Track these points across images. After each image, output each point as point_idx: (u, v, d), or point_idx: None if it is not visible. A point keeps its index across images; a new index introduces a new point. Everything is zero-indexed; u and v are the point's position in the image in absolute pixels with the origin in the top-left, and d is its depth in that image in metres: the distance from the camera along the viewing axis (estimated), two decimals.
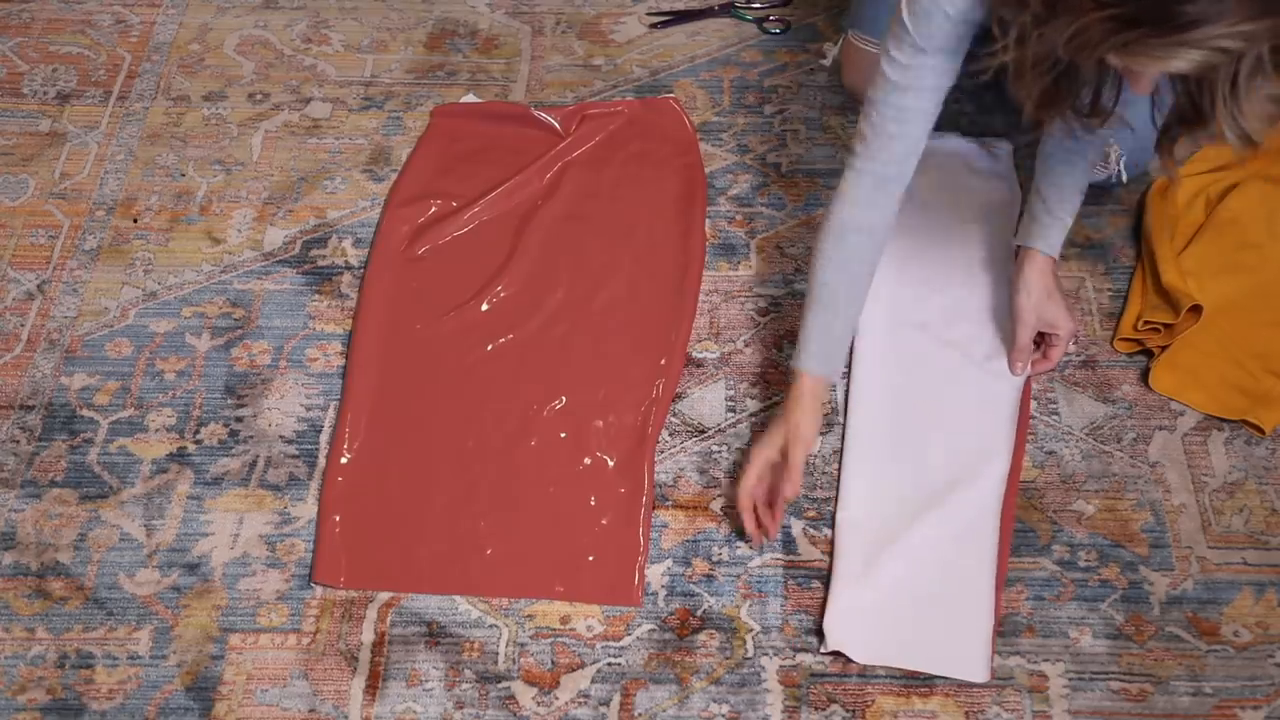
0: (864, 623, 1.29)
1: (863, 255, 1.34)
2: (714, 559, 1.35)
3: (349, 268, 1.61)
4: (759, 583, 1.33)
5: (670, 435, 1.45)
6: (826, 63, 1.83)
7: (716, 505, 1.39)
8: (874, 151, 1.29)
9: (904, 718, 1.24)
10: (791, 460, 1.32)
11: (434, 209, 1.65)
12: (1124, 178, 1.59)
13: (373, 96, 1.81)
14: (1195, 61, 0.96)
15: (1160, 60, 0.96)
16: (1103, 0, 0.95)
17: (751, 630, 1.30)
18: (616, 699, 1.26)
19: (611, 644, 1.30)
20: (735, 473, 1.41)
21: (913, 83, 1.23)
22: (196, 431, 1.46)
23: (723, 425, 1.46)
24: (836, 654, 1.27)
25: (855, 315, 1.38)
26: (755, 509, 1.34)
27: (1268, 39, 0.95)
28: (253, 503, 1.40)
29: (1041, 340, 1.47)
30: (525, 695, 1.26)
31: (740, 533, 1.36)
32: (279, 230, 1.65)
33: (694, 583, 1.34)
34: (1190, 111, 1.09)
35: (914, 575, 1.32)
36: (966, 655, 1.27)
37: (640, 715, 1.25)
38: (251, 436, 1.46)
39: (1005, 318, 1.51)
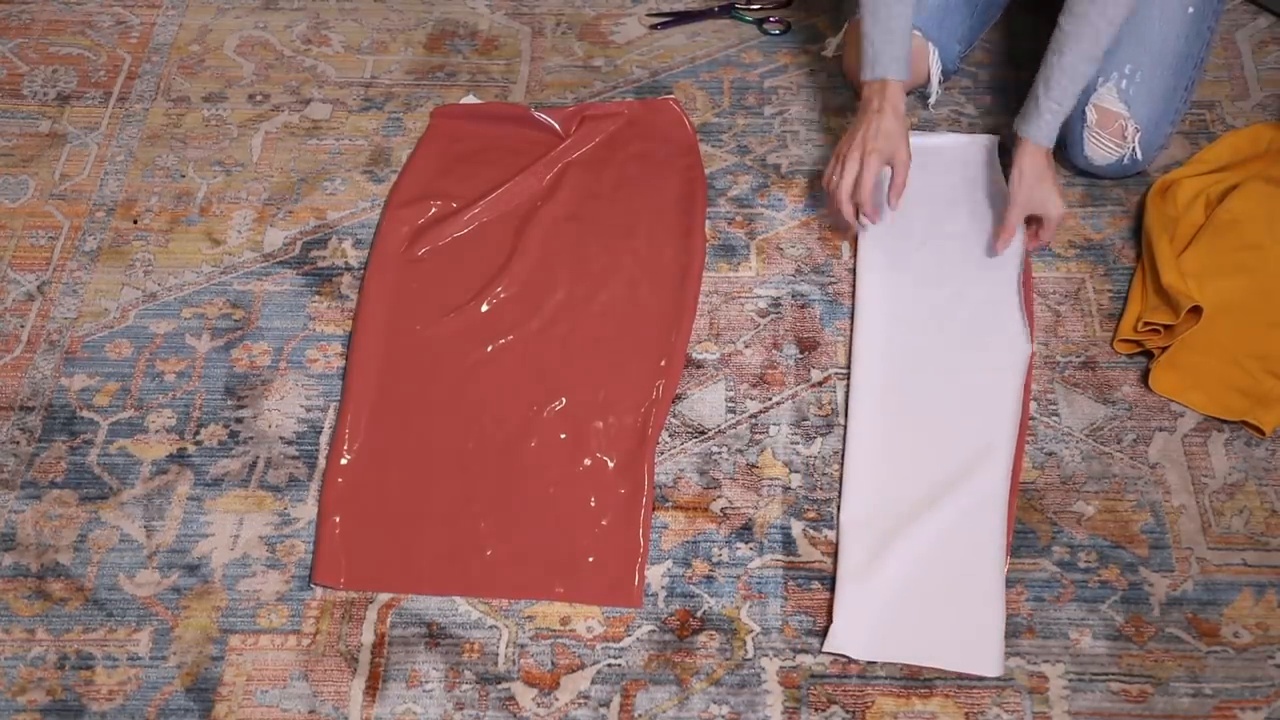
0: (873, 621, 1.29)
1: None
2: (714, 560, 1.35)
3: (349, 269, 1.61)
4: (759, 584, 1.33)
5: (670, 436, 1.45)
6: (828, 54, 1.83)
7: (716, 506, 1.39)
8: None
9: (904, 718, 1.24)
10: (902, 162, 1.53)
11: (434, 210, 1.65)
12: (1139, 155, 1.59)
13: (373, 97, 1.81)
14: None
15: None
16: None
17: (751, 631, 1.30)
18: (616, 700, 1.26)
19: (611, 645, 1.30)
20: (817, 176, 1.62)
21: None
22: (196, 432, 1.46)
23: (723, 426, 1.46)
24: (837, 655, 1.28)
25: (909, 19, 1.52)
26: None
27: None
28: (253, 504, 1.40)
29: (1033, 223, 1.56)
30: (525, 696, 1.26)
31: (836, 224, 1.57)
32: (279, 231, 1.65)
33: (694, 584, 1.34)
34: None
35: (922, 572, 1.32)
36: (979, 649, 1.27)
37: (640, 716, 1.25)
38: (251, 437, 1.46)
39: (1001, 311, 1.51)
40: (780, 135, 1.75)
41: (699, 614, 1.31)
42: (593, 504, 1.39)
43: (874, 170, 1.51)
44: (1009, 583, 1.32)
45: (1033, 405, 1.46)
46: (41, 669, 1.28)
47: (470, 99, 1.80)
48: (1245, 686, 1.25)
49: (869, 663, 1.27)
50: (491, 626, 1.31)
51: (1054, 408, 1.46)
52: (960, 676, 1.26)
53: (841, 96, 1.78)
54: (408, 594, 1.33)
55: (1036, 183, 1.50)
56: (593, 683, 1.27)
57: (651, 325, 1.53)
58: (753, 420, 1.46)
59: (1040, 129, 1.49)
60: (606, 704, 1.25)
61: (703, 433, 1.45)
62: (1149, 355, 1.49)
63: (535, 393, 1.48)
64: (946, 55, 1.70)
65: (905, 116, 1.54)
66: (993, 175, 1.66)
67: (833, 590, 1.32)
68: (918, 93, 1.73)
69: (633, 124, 1.75)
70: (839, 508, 1.38)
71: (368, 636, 1.30)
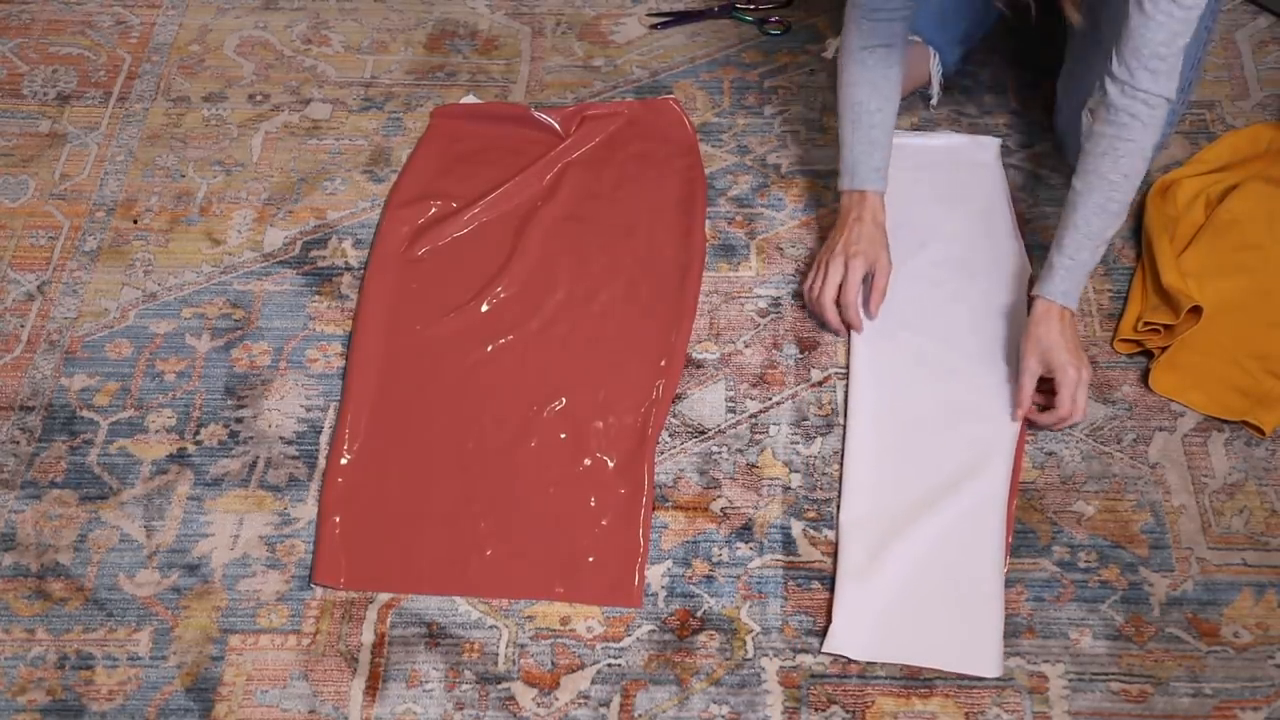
0: (872, 622, 1.29)
1: (885, 70, 1.45)
2: (714, 560, 1.35)
3: (349, 268, 1.61)
4: (759, 583, 1.33)
5: (670, 436, 1.45)
6: (828, 55, 1.83)
7: (716, 506, 1.39)
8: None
9: (904, 718, 1.24)
10: (883, 268, 1.48)
11: (434, 210, 1.65)
12: None
13: (373, 97, 1.81)
14: None
15: None
16: None
17: (751, 631, 1.30)
18: (616, 700, 1.26)
19: (611, 645, 1.30)
20: (798, 287, 1.56)
21: None
22: (196, 432, 1.46)
23: (723, 426, 1.46)
24: (836, 655, 1.28)
25: (891, 127, 1.49)
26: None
27: None
28: (253, 504, 1.40)
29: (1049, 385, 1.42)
30: (525, 696, 1.26)
31: (823, 325, 1.51)
32: (279, 231, 1.65)
33: (694, 584, 1.34)
34: None
35: (922, 572, 1.32)
36: (978, 650, 1.27)
37: (640, 716, 1.25)
38: (251, 437, 1.46)
39: (1000, 311, 1.51)
40: (780, 135, 1.75)
41: (699, 614, 1.31)
42: (593, 504, 1.39)
43: (858, 275, 1.47)
44: (1009, 583, 1.32)
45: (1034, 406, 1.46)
46: (41, 669, 1.28)
47: (470, 99, 1.80)
48: (1245, 686, 1.25)
49: (869, 663, 1.27)
50: (491, 626, 1.31)
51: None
52: (960, 676, 1.26)
53: None
54: (408, 594, 1.33)
55: (1049, 347, 1.38)
56: (593, 683, 1.27)
57: (651, 325, 1.53)
58: (753, 420, 1.46)
59: (1052, 285, 1.39)
60: (606, 704, 1.25)
61: (703, 433, 1.45)
62: (1149, 355, 1.49)
63: (535, 393, 1.48)
64: (947, 57, 1.70)
65: (884, 224, 1.50)
66: (996, 176, 1.66)
67: (832, 590, 1.32)
68: (919, 93, 1.73)
69: (633, 124, 1.75)
70: (839, 508, 1.38)
71: (368, 636, 1.30)
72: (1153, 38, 1.28)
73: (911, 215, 1.60)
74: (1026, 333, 1.41)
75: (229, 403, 1.48)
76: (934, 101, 1.72)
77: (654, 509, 1.39)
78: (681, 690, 1.26)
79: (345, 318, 1.56)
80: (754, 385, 1.49)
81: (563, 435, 1.44)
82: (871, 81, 1.47)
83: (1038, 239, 1.60)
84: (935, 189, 1.64)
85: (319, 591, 1.33)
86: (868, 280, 1.50)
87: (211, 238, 1.65)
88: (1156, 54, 1.30)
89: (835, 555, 1.34)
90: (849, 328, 1.51)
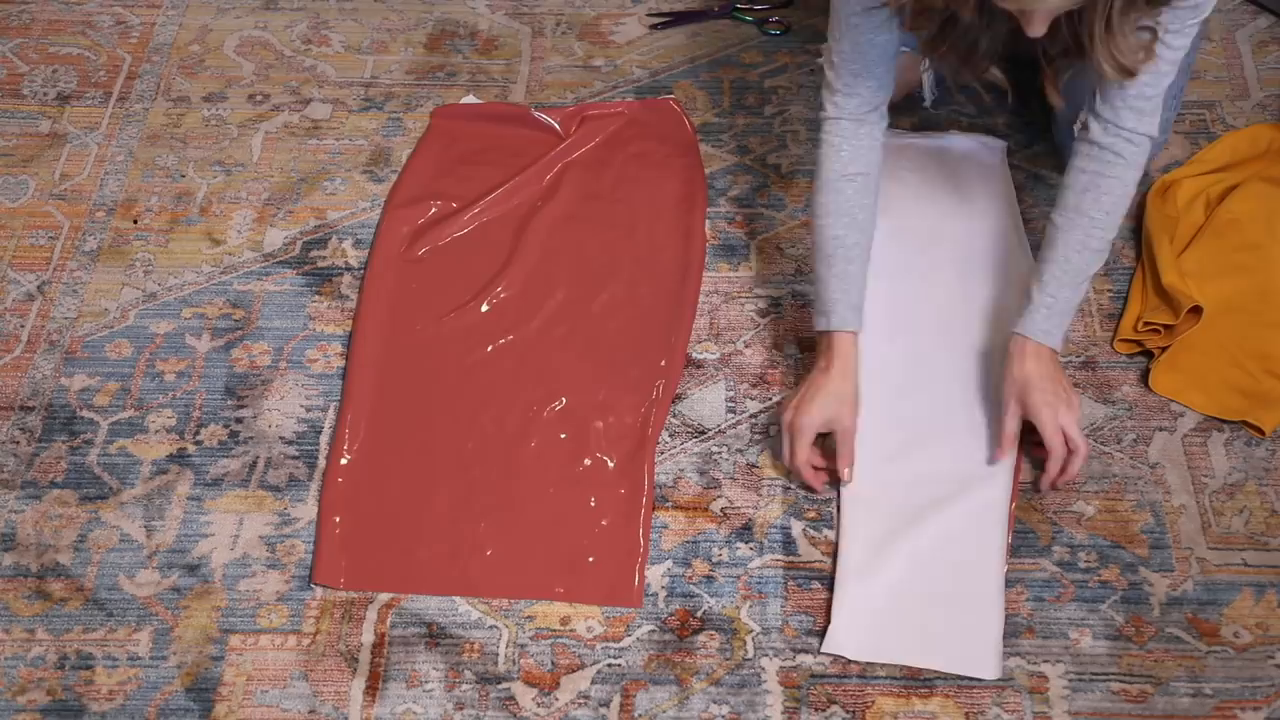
0: (871, 622, 1.29)
1: (862, 200, 1.37)
2: (714, 560, 1.35)
3: (349, 269, 1.61)
4: (759, 584, 1.33)
5: (670, 436, 1.45)
6: (823, 60, 1.83)
7: (716, 506, 1.39)
8: (844, 95, 1.33)
9: (904, 718, 1.24)
10: (845, 430, 1.36)
11: (434, 210, 1.65)
12: None
13: (373, 97, 1.81)
14: None
15: None
16: None
17: (751, 631, 1.30)
18: (616, 700, 1.26)
19: (611, 645, 1.30)
20: (773, 437, 1.44)
21: (865, 15, 1.27)
22: (196, 432, 1.46)
23: (723, 426, 1.46)
24: (836, 655, 1.28)
25: (867, 261, 1.40)
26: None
27: None
28: (253, 504, 1.40)
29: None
30: (525, 696, 1.26)
31: (805, 487, 1.39)
32: (279, 231, 1.65)
33: (694, 584, 1.34)
34: (1072, 43, 1.13)
35: (921, 573, 1.32)
36: (976, 652, 1.27)
37: (640, 716, 1.25)
38: (251, 438, 1.46)
39: (1003, 314, 1.51)
40: (780, 135, 1.75)
41: (699, 614, 1.31)
42: (593, 504, 1.39)
43: (805, 444, 1.35)
44: (1009, 583, 1.32)
45: None
46: (41, 669, 1.28)
47: (470, 99, 1.80)
48: (1245, 686, 1.25)
49: (869, 663, 1.27)
50: (491, 626, 1.31)
51: None
52: (960, 676, 1.26)
53: None
54: (408, 594, 1.33)
55: (1025, 386, 1.34)
56: (593, 683, 1.27)
57: (651, 325, 1.53)
58: (753, 420, 1.46)
59: (1032, 323, 1.35)
60: (606, 704, 1.25)
61: (703, 433, 1.45)
62: (1149, 355, 1.49)
63: (535, 393, 1.48)
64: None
65: (854, 370, 1.38)
66: (1001, 178, 1.66)
67: (832, 590, 1.32)
68: (915, 92, 1.73)
69: (633, 124, 1.75)
70: (839, 508, 1.38)
71: (368, 636, 1.30)
72: (1139, 79, 1.25)
73: (915, 216, 1.60)
74: (1005, 371, 1.37)
75: (229, 403, 1.48)
76: (928, 102, 1.72)
77: (654, 509, 1.39)
78: (681, 690, 1.26)
79: (345, 318, 1.56)
80: (754, 385, 1.49)
81: (563, 435, 1.44)
82: (849, 213, 1.37)
83: (1037, 239, 1.58)
84: (940, 190, 1.64)
85: (319, 591, 1.33)
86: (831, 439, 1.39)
87: (211, 238, 1.65)
88: (1141, 94, 1.28)
89: (835, 555, 1.34)
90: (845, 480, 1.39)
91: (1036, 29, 1.07)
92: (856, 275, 1.38)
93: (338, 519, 1.38)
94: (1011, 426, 1.37)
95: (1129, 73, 1.13)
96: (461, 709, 1.25)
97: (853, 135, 1.36)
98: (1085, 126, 1.33)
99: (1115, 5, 1.06)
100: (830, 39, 1.33)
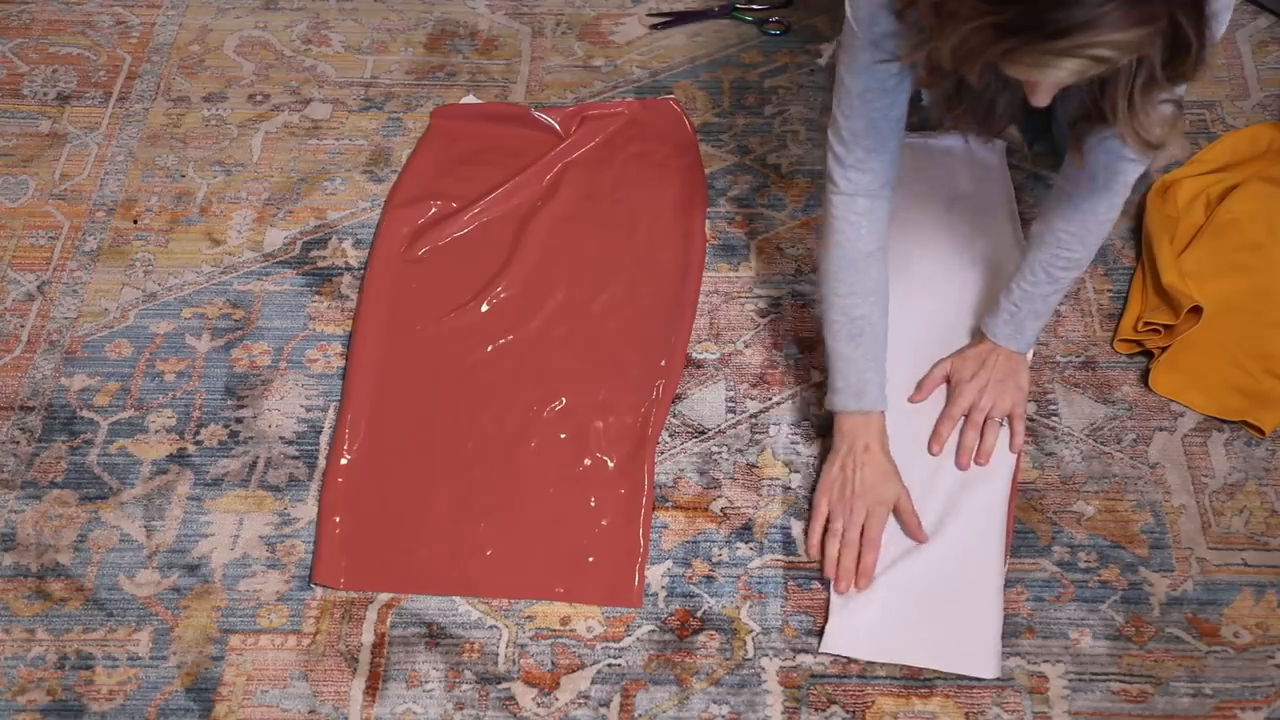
0: (872, 622, 1.29)
1: (883, 274, 1.34)
2: (714, 560, 1.35)
3: (349, 269, 1.61)
4: (759, 584, 1.33)
5: (670, 436, 1.45)
6: (822, 63, 1.83)
7: (716, 506, 1.39)
8: (858, 172, 1.28)
9: (904, 718, 1.24)
10: (906, 503, 1.33)
11: (434, 210, 1.65)
12: None
13: (373, 97, 1.81)
14: (1075, 70, 0.95)
15: (1040, 69, 0.95)
16: (983, 8, 0.93)
17: (751, 631, 1.30)
18: (616, 700, 1.26)
19: (611, 645, 1.30)
20: (805, 522, 1.38)
21: (877, 87, 1.21)
22: (196, 432, 1.46)
23: (723, 426, 1.46)
24: (836, 655, 1.28)
25: (887, 335, 1.36)
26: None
27: (1145, 48, 0.94)
28: (253, 504, 1.40)
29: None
30: (525, 696, 1.26)
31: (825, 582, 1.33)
32: (279, 231, 1.65)
33: (694, 584, 1.34)
34: (1095, 112, 1.09)
35: (921, 573, 1.32)
36: (976, 651, 1.27)
37: (640, 716, 1.25)
38: (251, 437, 1.46)
39: None
40: (780, 135, 1.75)
41: (699, 614, 1.31)
42: (593, 504, 1.39)
43: (877, 526, 1.32)
44: (1009, 583, 1.32)
45: (1032, 406, 1.46)
46: (41, 669, 1.28)
47: (470, 99, 1.80)
48: (1245, 686, 1.25)
49: (869, 663, 1.27)
50: (491, 626, 1.31)
51: (1054, 408, 1.46)
52: (960, 676, 1.26)
53: None
54: (408, 594, 1.33)
55: (965, 363, 1.42)
56: (593, 683, 1.27)
57: (651, 325, 1.53)
58: (753, 420, 1.46)
59: (995, 327, 1.40)
60: (606, 704, 1.25)
61: (703, 433, 1.45)
62: (1149, 355, 1.49)
63: (535, 393, 1.48)
64: None
65: (889, 446, 1.36)
66: (1001, 178, 1.66)
67: (830, 590, 1.32)
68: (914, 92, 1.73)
69: (632, 124, 1.75)
70: None
71: (368, 636, 1.30)
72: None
73: (915, 216, 1.60)
74: (974, 354, 1.41)
75: (229, 403, 1.48)
76: (925, 102, 1.71)
77: (654, 509, 1.39)
78: (681, 690, 1.26)
79: (345, 318, 1.56)
80: (754, 385, 1.49)
81: (563, 435, 1.44)
82: (875, 291, 1.34)
83: None
84: (939, 190, 1.64)
85: (319, 591, 1.33)
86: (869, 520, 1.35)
87: (211, 238, 1.65)
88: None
89: None
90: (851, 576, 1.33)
91: (1041, 99, 1.04)
92: (882, 354, 1.35)
93: (338, 519, 1.38)
94: (950, 410, 1.41)
95: (1153, 148, 1.08)
96: (461, 709, 1.25)
97: (869, 211, 1.30)
98: (1071, 144, 1.27)
99: (1137, 83, 1.01)
100: (839, 115, 1.26)
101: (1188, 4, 0.92)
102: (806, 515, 1.38)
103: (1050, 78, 0.97)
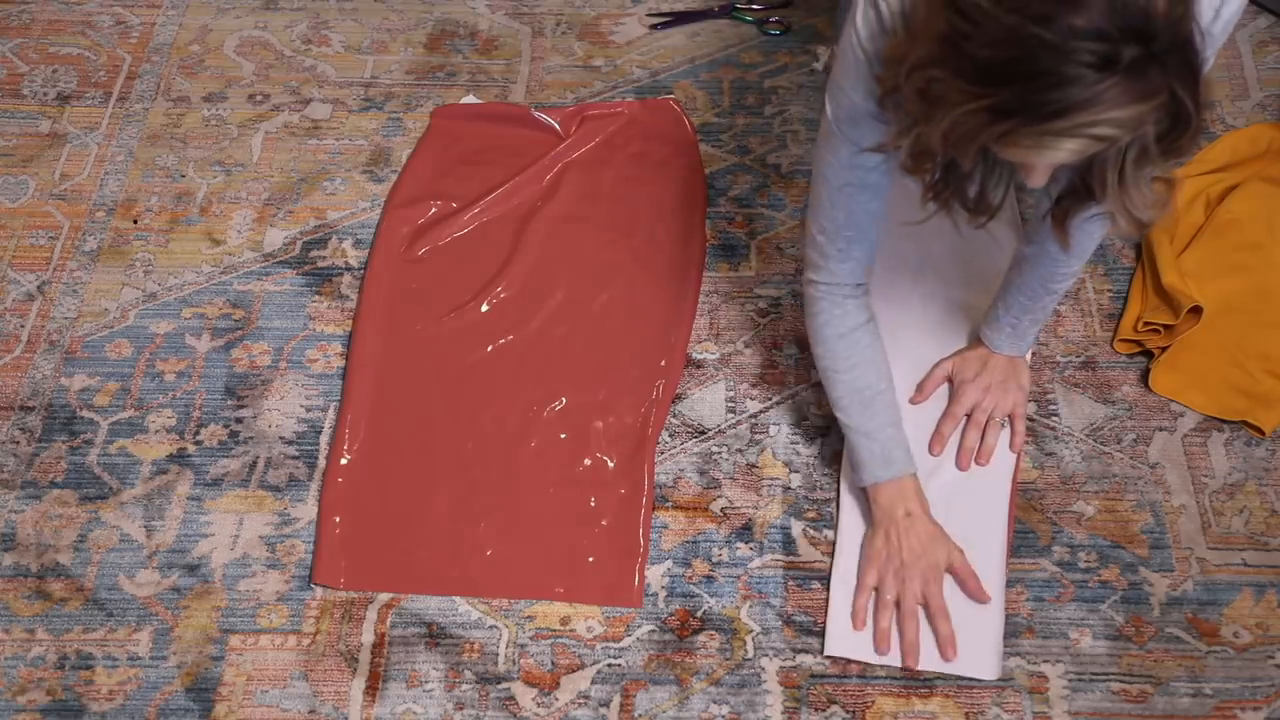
0: (873, 623, 1.29)
1: (877, 340, 1.32)
2: (714, 560, 1.35)
3: (349, 269, 1.61)
4: (759, 584, 1.33)
5: (670, 436, 1.45)
6: (819, 67, 1.83)
7: (716, 506, 1.39)
8: (838, 263, 1.25)
9: (904, 718, 1.24)
10: (960, 560, 1.30)
11: (434, 210, 1.65)
12: None
13: (373, 97, 1.81)
14: (1075, 151, 0.91)
15: (1038, 150, 0.92)
16: (974, 91, 0.89)
17: (751, 631, 1.30)
18: (616, 700, 1.26)
19: (611, 645, 1.30)
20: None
21: (857, 183, 1.18)
22: (196, 432, 1.46)
23: (723, 426, 1.46)
24: (837, 655, 1.28)
25: (895, 399, 1.34)
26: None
27: (1144, 125, 0.90)
28: (253, 504, 1.40)
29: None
30: (525, 696, 1.26)
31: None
32: (279, 231, 1.65)
33: (694, 584, 1.34)
34: (1082, 189, 1.05)
35: None
36: (976, 652, 1.27)
37: (640, 716, 1.25)
38: (251, 438, 1.46)
39: None
40: (780, 135, 1.75)
41: (699, 614, 1.31)
42: (593, 504, 1.39)
43: (939, 593, 1.29)
44: (1009, 583, 1.32)
45: (1032, 406, 1.46)
46: (41, 669, 1.28)
47: (470, 99, 1.80)
48: (1245, 686, 1.25)
49: (869, 663, 1.27)
50: (491, 626, 1.31)
51: (1054, 408, 1.46)
52: (960, 676, 1.26)
53: None
54: (408, 594, 1.33)
55: (967, 363, 1.43)
56: (593, 683, 1.27)
57: (651, 325, 1.53)
58: (753, 420, 1.46)
59: (998, 341, 1.41)
60: (606, 704, 1.25)
61: (703, 433, 1.45)
62: (1149, 355, 1.49)
63: (535, 393, 1.48)
64: None
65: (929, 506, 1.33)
66: None
67: (831, 590, 1.32)
68: None
69: (632, 124, 1.75)
70: (838, 508, 1.38)
71: (368, 636, 1.30)
72: None
73: (914, 217, 1.59)
74: (961, 350, 1.42)
75: (229, 403, 1.48)
76: None
77: (654, 509, 1.39)
78: (681, 690, 1.26)
79: (345, 318, 1.56)
80: (754, 385, 1.49)
81: (563, 435, 1.44)
82: (872, 360, 1.32)
83: None
84: None
85: (319, 591, 1.33)
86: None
87: (211, 238, 1.65)
88: None
89: (833, 555, 1.34)
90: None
91: (1038, 180, 1.00)
92: (898, 419, 1.32)
93: (338, 519, 1.38)
94: (936, 375, 1.43)
95: (1143, 226, 1.03)
96: (461, 709, 1.25)
97: (852, 295, 1.29)
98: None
99: (1128, 158, 0.97)
100: (816, 209, 1.23)
101: (1186, 77, 0.87)
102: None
103: (1048, 159, 0.93)
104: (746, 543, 1.36)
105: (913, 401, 1.45)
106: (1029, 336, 1.41)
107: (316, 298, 1.58)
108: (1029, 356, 1.46)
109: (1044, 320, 1.41)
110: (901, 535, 1.30)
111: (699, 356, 1.52)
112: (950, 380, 1.45)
